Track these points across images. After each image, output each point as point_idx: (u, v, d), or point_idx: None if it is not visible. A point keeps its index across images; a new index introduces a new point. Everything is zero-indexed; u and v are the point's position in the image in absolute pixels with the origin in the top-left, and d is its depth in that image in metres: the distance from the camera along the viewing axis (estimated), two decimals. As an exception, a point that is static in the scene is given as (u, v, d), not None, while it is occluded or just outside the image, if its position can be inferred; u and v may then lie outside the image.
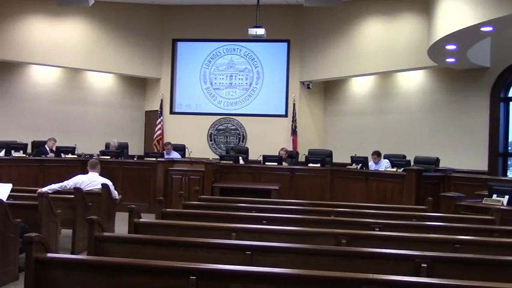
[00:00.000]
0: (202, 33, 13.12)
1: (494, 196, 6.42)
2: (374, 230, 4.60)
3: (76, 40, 12.16)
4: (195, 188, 7.62)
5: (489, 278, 2.80)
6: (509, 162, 9.85)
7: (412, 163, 9.32)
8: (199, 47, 13.37)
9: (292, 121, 12.59)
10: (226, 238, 3.93)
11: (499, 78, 9.62)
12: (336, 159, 11.14)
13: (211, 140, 13.22)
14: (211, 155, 12.41)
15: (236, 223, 4.53)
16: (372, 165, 9.84)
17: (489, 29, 7.47)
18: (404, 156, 9.77)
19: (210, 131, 13.22)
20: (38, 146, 10.60)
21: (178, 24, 13.24)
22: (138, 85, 13.75)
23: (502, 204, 6.21)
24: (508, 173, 9.72)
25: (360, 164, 9.77)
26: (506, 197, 6.29)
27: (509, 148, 9.79)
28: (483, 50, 9.44)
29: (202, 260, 3.12)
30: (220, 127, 13.23)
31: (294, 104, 12.67)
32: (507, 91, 9.70)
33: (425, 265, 3.15)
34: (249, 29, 10.54)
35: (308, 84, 12.94)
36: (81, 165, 9.42)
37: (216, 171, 9.75)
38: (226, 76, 13.37)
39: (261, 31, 10.48)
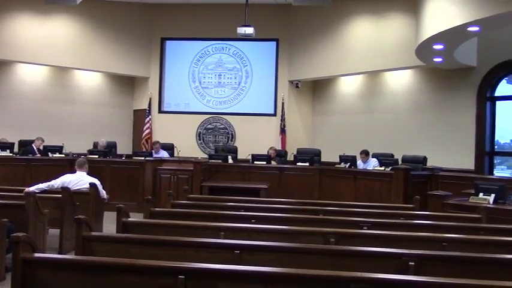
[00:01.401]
0: (191, 32, 13.09)
1: (481, 194, 6.48)
2: (362, 229, 4.62)
3: (64, 38, 12.07)
4: (183, 187, 7.61)
5: (476, 275, 2.82)
6: (495, 161, 9.94)
7: (400, 162, 9.39)
8: (188, 45, 13.33)
9: (281, 120, 12.61)
10: (214, 237, 3.93)
11: (485, 77, 9.71)
12: (324, 158, 11.18)
13: (200, 139, 13.20)
14: (200, 154, 12.39)
15: (225, 222, 4.53)
16: (360, 164, 9.90)
17: (476, 29, 7.53)
18: (392, 155, 9.83)
19: (199, 130, 13.20)
20: (25, 145, 10.52)
21: (167, 22, 13.20)
22: (127, 84, 13.69)
23: (488, 203, 6.27)
24: (494, 172, 9.82)
25: (349, 163, 9.82)
26: (493, 195, 6.36)
27: (496, 147, 9.88)
28: (470, 49, 9.52)
29: (191, 259, 3.12)
30: (209, 126, 13.21)
31: (282, 103, 12.68)
32: (493, 90, 9.78)
33: (412, 263, 3.17)
34: (238, 28, 10.53)
35: (297, 84, 12.97)
36: (69, 165, 9.36)
37: (205, 170, 9.73)
38: (215, 75, 13.35)
39: (249, 30, 10.48)
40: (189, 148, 12.45)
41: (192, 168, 9.38)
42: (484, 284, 2.62)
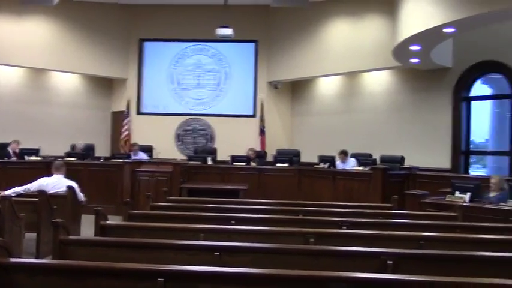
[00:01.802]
0: (169, 33, 13.02)
1: (457, 193, 6.60)
2: (341, 228, 4.65)
3: (40, 40, 11.89)
4: (162, 189, 7.56)
5: (452, 273, 2.86)
6: (471, 160, 10.11)
7: (378, 162, 9.48)
8: (167, 47, 13.27)
9: (260, 121, 12.62)
10: (194, 239, 3.91)
11: (460, 78, 9.87)
12: (303, 158, 11.23)
13: (179, 141, 13.14)
14: (179, 156, 12.33)
15: (204, 224, 4.52)
16: (339, 165, 9.96)
17: (451, 30, 7.66)
18: (370, 155, 9.93)
19: (178, 132, 13.13)
20: (1, 148, 10.33)
21: (145, 24, 13.11)
22: (105, 85, 13.55)
23: (464, 201, 6.38)
24: (469, 171, 9.98)
25: (327, 163, 9.88)
26: (468, 193, 6.47)
27: (471, 146, 10.05)
28: (446, 50, 9.66)
29: (170, 261, 3.10)
30: (188, 128, 13.16)
31: (262, 104, 12.70)
32: (468, 91, 9.95)
33: (391, 262, 3.20)
34: (217, 29, 10.52)
35: (276, 85, 13.00)
36: (46, 168, 9.20)
37: (184, 172, 9.69)
38: (194, 76, 13.30)
39: (228, 31, 10.48)
40: (168, 150, 12.38)
41: (171, 170, 9.33)
42: (461, 281, 2.66)
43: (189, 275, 2.72)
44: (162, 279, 2.66)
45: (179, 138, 13.13)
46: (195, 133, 13.13)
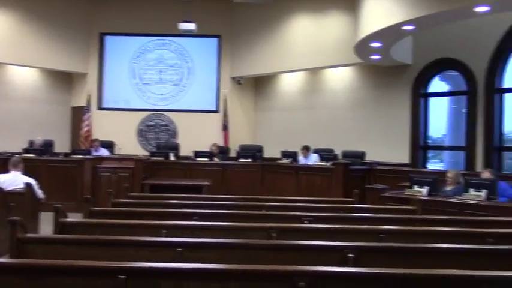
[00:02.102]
0: (130, 27, 12.81)
1: (416, 187, 6.75)
2: (304, 223, 4.69)
3: (-5, 32, 11.52)
4: (124, 186, 7.45)
5: (412, 265, 2.92)
6: (429, 155, 10.37)
7: (339, 157, 9.61)
8: (128, 41, 13.06)
9: (224, 116, 12.60)
10: (156, 235, 3.87)
11: (419, 75, 10.09)
12: (266, 154, 11.29)
13: (141, 137, 12.97)
14: (141, 152, 12.18)
15: (167, 220, 4.47)
16: (301, 160, 10.05)
17: (411, 27, 7.81)
18: (332, 151, 10.06)
19: (140, 127, 12.97)
20: (-46, 144, 9.98)
21: (106, 17, 12.86)
22: (64, 80, 13.23)
23: (423, 195, 6.54)
24: (427, 165, 10.24)
25: (290, 159, 9.96)
26: (427, 187, 6.63)
27: (429, 141, 10.30)
28: (405, 48, 9.86)
29: (132, 258, 3.05)
30: (150, 123, 13.01)
31: (225, 100, 12.68)
32: (427, 87, 10.19)
33: (352, 255, 3.24)
34: (179, 24, 10.43)
35: (239, 80, 13.00)
36: (3, 164, 8.93)
37: (146, 168, 9.59)
38: (156, 71, 13.16)
39: (191, 26, 10.40)
40: (129, 146, 12.23)
41: (133, 166, 9.22)
42: (420, 273, 2.72)
43: (150, 272, 2.69)
44: (124, 277, 2.62)
45: (141, 133, 12.97)
46: (158, 128, 13.00)
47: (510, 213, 5.20)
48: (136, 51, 13.08)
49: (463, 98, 9.67)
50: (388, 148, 10.33)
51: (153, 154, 10.77)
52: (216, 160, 10.60)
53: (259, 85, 13.38)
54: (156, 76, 13.15)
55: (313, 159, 9.89)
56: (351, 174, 8.74)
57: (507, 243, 3.82)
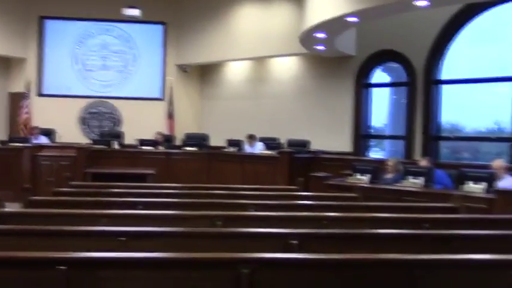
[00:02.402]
0: (72, 11, 12.36)
1: (358, 175, 6.96)
2: (249, 211, 4.73)
3: None
4: (65, 175, 7.25)
5: (354, 250, 3.01)
6: (370, 144, 10.67)
7: (285, 146, 9.73)
8: (70, 26, 12.60)
9: (169, 104, 12.44)
10: (98, 225, 3.80)
11: (362, 66, 10.32)
12: (212, 142, 11.26)
13: (83, 124, 12.61)
14: (84, 140, 11.84)
15: (110, 209, 4.40)
16: (247, 148, 10.10)
17: (354, 19, 7.96)
18: (277, 139, 10.16)
19: (82, 115, 12.60)
20: None
21: (45, 0, 12.36)
22: (1, 65, 12.64)
23: (364, 182, 6.74)
24: (369, 154, 10.53)
25: (236, 147, 9.99)
26: (368, 175, 6.85)
27: (371, 131, 10.59)
28: (349, 39, 10.04)
29: (73, 248, 2.97)
30: (93, 110, 12.67)
31: (170, 88, 12.51)
32: (369, 78, 10.44)
33: (296, 242, 3.30)
34: (123, 9, 10.17)
35: (185, 68, 12.85)
36: None
37: (89, 156, 9.36)
38: (100, 57, 12.79)
39: (135, 12, 10.19)
40: (71, 133, 11.87)
41: (74, 155, 8.97)
42: (361, 257, 2.81)
43: (92, 262, 2.64)
44: (64, 267, 2.57)
45: (84, 121, 12.61)
46: (101, 116, 12.67)
47: (445, 200, 5.44)
48: (79, 36, 12.66)
49: (403, 89, 9.98)
50: (332, 137, 10.53)
51: (95, 142, 10.52)
52: (161, 148, 10.47)
53: (205, 73, 13.28)
54: (99, 62, 12.79)
55: (259, 148, 9.96)
56: (296, 162, 8.87)
57: (441, 228, 4.01)
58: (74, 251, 2.77)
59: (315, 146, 10.05)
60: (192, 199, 5.39)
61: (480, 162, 8.78)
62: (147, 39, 12.81)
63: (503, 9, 8.57)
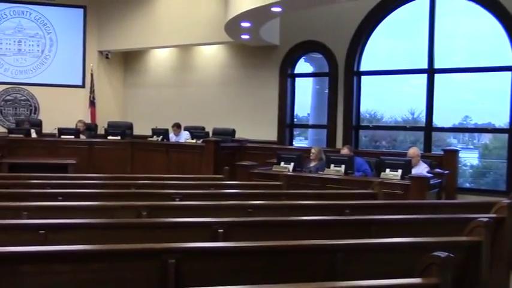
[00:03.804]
0: (-17, -9, 11.64)
1: (282, 163, 7.09)
2: (174, 201, 4.70)
3: None
4: (-22, 166, 6.87)
5: (278, 237, 3.07)
6: (295, 133, 10.89)
7: (210, 134, 9.72)
8: (-20, 6, 11.86)
9: (90, 92, 12.03)
10: (16, 218, 3.64)
11: (286, 56, 10.48)
12: (136, 131, 11.04)
13: (-3, 112, 11.95)
14: (-2, 129, 11.25)
15: (28, 201, 4.21)
16: (172, 137, 10.00)
17: (278, 9, 8.06)
18: (203, 128, 10.13)
19: (-4, 102, 11.93)
20: None
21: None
22: None
23: (289, 171, 6.89)
24: (293, 143, 10.75)
25: (161, 136, 9.86)
26: (292, 164, 7.00)
27: (295, 120, 10.81)
28: (274, 29, 10.15)
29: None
30: (8, 97, 12.01)
31: (91, 75, 12.09)
32: (293, 68, 10.63)
33: (221, 230, 3.33)
34: (40, -9, 9.70)
35: (107, 54, 12.46)
36: None
37: (4, 146, 8.91)
38: (14, 41, 12.13)
39: (53, -6, 9.73)
40: (-17, 122, 11.24)
41: (-13, 144, 8.49)
42: (285, 244, 2.89)
43: (10, 257, 2.52)
44: (-20, 263, 2.44)
45: (-3, 109, 11.95)
46: (17, 104, 12.05)
47: (364, 186, 5.69)
48: (-10, 18, 11.94)
49: (326, 79, 10.24)
50: (257, 126, 10.65)
51: (11, 131, 10.00)
52: (83, 137, 10.14)
53: (128, 60, 12.95)
54: (15, 47, 12.12)
55: (184, 137, 9.89)
56: (222, 151, 8.90)
57: (362, 214, 4.19)
58: (-10, 246, 2.64)
59: (240, 134, 10.13)
60: (116, 189, 5.28)
61: (397, 151, 9.26)
62: (66, 23, 12.28)
63: (418, 4, 9.00)
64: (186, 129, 10.14)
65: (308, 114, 11.10)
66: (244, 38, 9.93)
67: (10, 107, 12.03)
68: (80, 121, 10.71)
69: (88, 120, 11.43)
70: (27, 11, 12.10)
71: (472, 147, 9.55)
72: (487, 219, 3.09)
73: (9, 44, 12.10)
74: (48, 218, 3.48)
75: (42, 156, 9.08)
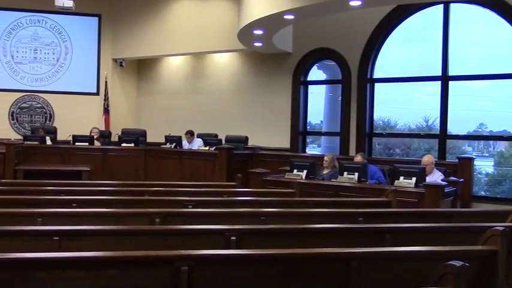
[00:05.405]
0: (1, 1, 11.79)
1: (295, 171, 7.07)
2: (187, 208, 4.71)
3: None
4: (-6, 172, 6.95)
5: (291, 245, 3.05)
6: (307, 140, 10.87)
7: (223, 142, 9.73)
8: (-2, 16, 12.03)
9: (104, 99, 12.14)
10: (31, 224, 3.67)
11: (299, 63, 10.48)
12: (150, 138, 11.09)
13: (13, 119, 12.08)
14: (14, 136, 11.37)
15: (42, 208, 4.24)
16: (185, 145, 10.03)
17: (291, 17, 8.08)
18: (216, 135, 10.15)
19: (12, 110, 12.07)
20: None
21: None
22: None
23: (301, 178, 6.87)
24: (306, 150, 10.73)
25: (174, 143, 9.89)
26: (305, 171, 6.98)
27: (308, 127, 10.79)
28: (286, 36, 10.17)
29: (4, 249, 2.87)
30: (24, 105, 12.16)
31: (106, 82, 12.20)
32: (306, 75, 10.63)
33: (234, 238, 3.32)
34: (56, 0, 9.81)
35: (121, 62, 12.57)
36: None
37: (20, 152, 8.99)
38: (30, 50, 12.29)
39: (69, 3, 9.84)
40: (0, 129, 11.35)
41: (4, 151, 8.58)
42: (298, 252, 2.87)
43: (24, 263, 2.54)
44: (-5, 269, 2.46)
45: (13, 116, 12.08)
46: (32, 111, 12.19)
47: (378, 194, 5.65)
48: (7, 27, 12.10)
49: (339, 86, 10.22)
50: (270, 133, 10.65)
51: (26, 138, 10.10)
52: (97, 144, 10.21)
53: (142, 68, 13.05)
54: (31, 55, 12.29)
55: (197, 144, 9.92)
56: (234, 158, 8.90)
57: (375, 222, 4.16)
58: (5, 251, 2.66)
59: (253, 142, 10.13)
60: (129, 196, 5.30)
61: (411, 158, 9.19)
62: (81, 32, 12.43)
63: (432, 11, 8.97)
64: (199, 136, 10.17)
65: (321, 121, 11.07)
66: (257, 45, 9.96)
67: (26, 114, 12.18)
68: (94, 128, 10.79)
69: (102, 128, 11.52)
70: (43, 20, 12.27)
71: (487, 154, 9.44)
72: (502, 228, 3.04)
73: (25, 52, 12.26)
74: (62, 224, 3.50)
75: (56, 163, 9.17)
